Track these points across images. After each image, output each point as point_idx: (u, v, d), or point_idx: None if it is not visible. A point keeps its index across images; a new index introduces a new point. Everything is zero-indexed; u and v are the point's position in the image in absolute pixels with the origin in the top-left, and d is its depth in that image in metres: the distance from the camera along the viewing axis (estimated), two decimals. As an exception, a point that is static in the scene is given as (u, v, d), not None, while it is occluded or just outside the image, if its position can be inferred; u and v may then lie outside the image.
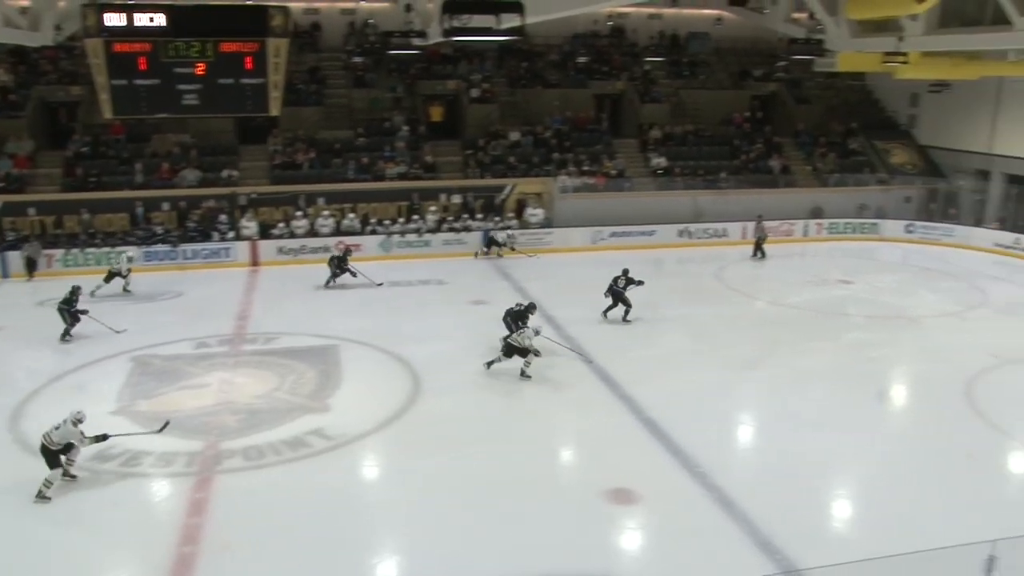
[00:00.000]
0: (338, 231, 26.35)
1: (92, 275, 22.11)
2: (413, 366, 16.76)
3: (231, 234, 25.70)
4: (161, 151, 27.69)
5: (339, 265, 22.69)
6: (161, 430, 12.49)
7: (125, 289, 21.59)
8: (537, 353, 16.07)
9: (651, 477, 12.40)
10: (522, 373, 16.13)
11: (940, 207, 31.22)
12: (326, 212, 26.73)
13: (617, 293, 19.89)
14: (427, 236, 26.72)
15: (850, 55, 27.24)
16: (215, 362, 17.08)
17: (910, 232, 30.01)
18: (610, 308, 20.03)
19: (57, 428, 11.66)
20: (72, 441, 11.63)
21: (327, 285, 22.60)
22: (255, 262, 25.39)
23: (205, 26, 12.87)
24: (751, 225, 28.41)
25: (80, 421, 11.75)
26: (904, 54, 23.61)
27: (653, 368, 17.04)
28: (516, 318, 17.28)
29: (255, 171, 27.91)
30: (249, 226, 25.91)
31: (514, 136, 30.56)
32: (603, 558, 10.55)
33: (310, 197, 27.09)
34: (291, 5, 10.86)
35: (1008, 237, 28.42)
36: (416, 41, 21.70)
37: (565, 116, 31.81)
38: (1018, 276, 25.44)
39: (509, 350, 16.13)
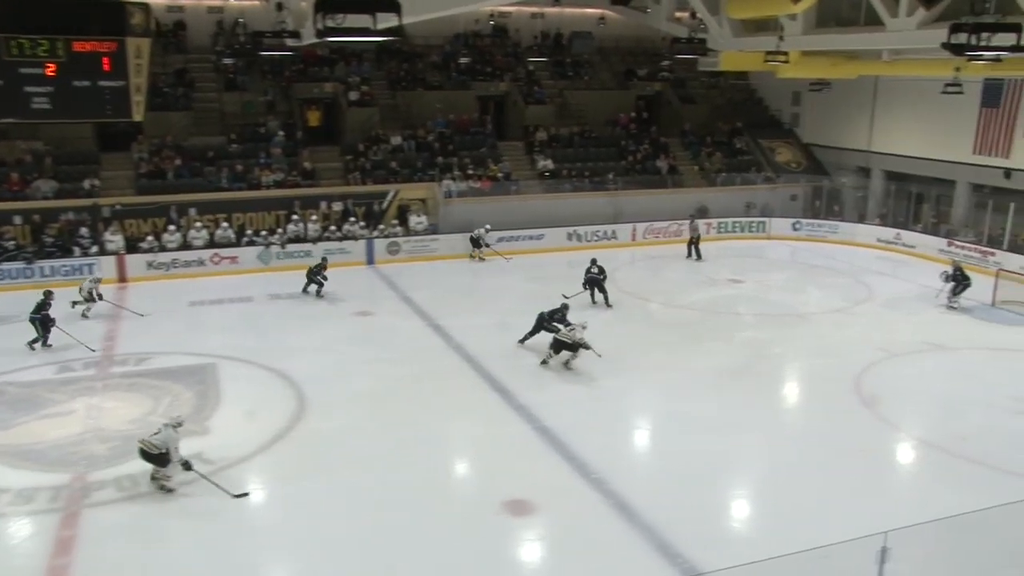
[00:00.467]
0: (212, 243, 25.60)
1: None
2: (297, 382, 16.48)
3: (94, 249, 24.63)
4: (10, 159, 26.29)
5: (316, 274, 22.59)
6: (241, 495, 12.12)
7: (84, 315, 20.61)
8: (587, 346, 16.90)
9: (548, 486, 12.50)
10: (566, 365, 17.14)
11: (825, 204, 32.59)
12: (199, 223, 25.93)
13: (594, 280, 21.42)
14: (308, 246, 26.24)
15: (733, 54, 28.33)
16: (81, 387, 16.34)
17: (797, 230, 31.21)
18: (592, 297, 21.71)
19: (156, 433, 12.05)
20: (171, 447, 11.93)
21: (304, 291, 22.76)
22: (123, 278, 24.43)
23: (52, 22, 12.21)
24: (641, 227, 29.11)
25: (179, 425, 12.26)
26: (785, 53, 24.66)
27: (547, 375, 17.17)
28: (554, 318, 18.24)
29: (119, 181, 26.85)
30: (114, 240, 24.91)
31: (396, 140, 30.38)
32: (502, 572, 10.54)
33: (181, 208, 26.22)
34: (152, 2, 10.48)
35: (889, 232, 29.89)
36: (289, 42, 21.29)
37: (448, 119, 31.82)
38: (901, 271, 26.79)
39: (559, 346, 17.10)
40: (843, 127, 33.38)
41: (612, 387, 16.56)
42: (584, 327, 17.38)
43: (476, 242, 27.35)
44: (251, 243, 25.96)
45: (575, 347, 17.00)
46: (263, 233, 26.25)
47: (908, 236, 29.39)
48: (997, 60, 17.34)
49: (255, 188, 27.40)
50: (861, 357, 18.32)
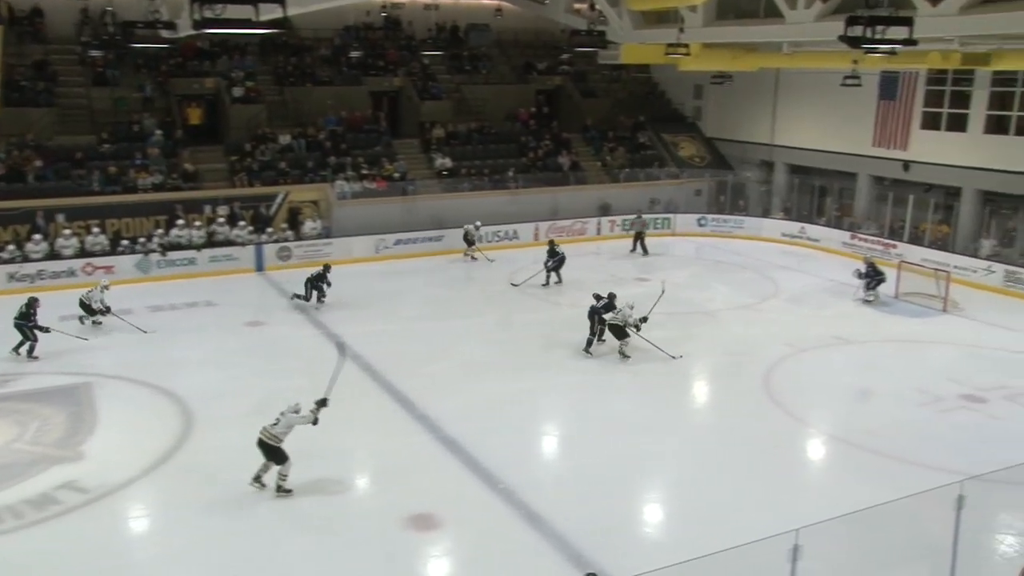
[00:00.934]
0: (83, 252, 24.66)
1: None
2: (183, 400, 16.03)
3: (-58, 261, 23.46)
4: None
5: (319, 281, 22.16)
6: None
7: (95, 323, 20.43)
8: (637, 328, 18.12)
9: (453, 499, 12.49)
10: (621, 353, 18.36)
11: (729, 199, 33.46)
12: (68, 231, 24.95)
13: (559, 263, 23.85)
14: (192, 253, 25.57)
15: (633, 47, 28.89)
16: (-66, 414, 15.52)
17: (702, 225, 31.95)
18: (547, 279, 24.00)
19: (276, 423, 12.52)
20: (297, 424, 12.56)
21: (315, 301, 22.27)
22: (-20, 292, 23.33)
23: None
24: (544, 226, 29.39)
25: (298, 411, 12.72)
26: (685, 46, 25.24)
27: (450, 382, 17.19)
28: (605, 310, 18.97)
29: (-33, 184, 25.61)
30: (-34, 250, 23.77)
31: (284, 139, 29.89)
32: (409, 592, 10.49)
33: (48, 213, 25.17)
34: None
35: (794, 227, 30.96)
36: (164, 33, 20.79)
37: (340, 116, 31.48)
38: (806, 264, 27.75)
39: (619, 332, 18.28)
40: (746, 121, 34.33)
41: (517, 392, 16.64)
42: (631, 307, 18.47)
43: (469, 240, 27.65)
44: (128, 251, 25.08)
45: (624, 333, 18.18)
46: (141, 240, 25.43)
47: (812, 230, 30.41)
48: (892, 53, 18.11)
49: (131, 192, 26.51)
50: (769, 353, 18.88)
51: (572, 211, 30.72)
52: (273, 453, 12.50)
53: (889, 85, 28.99)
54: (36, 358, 18.21)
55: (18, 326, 18.32)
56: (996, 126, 26.59)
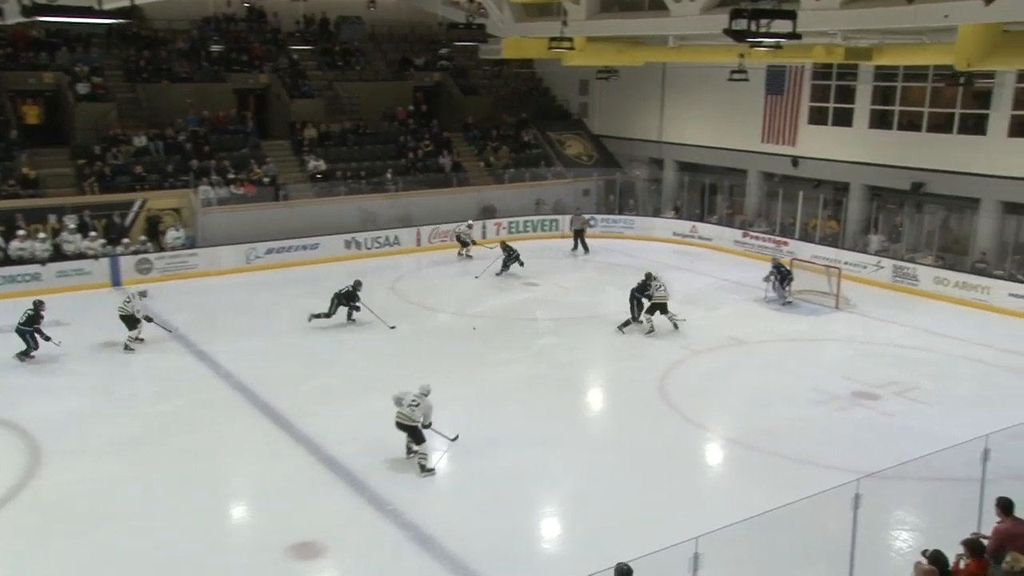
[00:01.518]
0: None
1: None
2: (28, 431, 15.31)
3: None
4: None
5: (347, 300, 21.51)
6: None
7: (138, 339, 20.14)
8: (650, 302, 20.42)
9: (338, 524, 12.39)
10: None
11: (619, 199, 34.04)
12: None
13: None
14: (35, 268, 24.52)
15: (515, 41, 29.18)
16: None
17: (592, 226, 32.18)
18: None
19: (414, 404, 13.55)
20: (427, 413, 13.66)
21: (323, 316, 21.49)
22: None
23: None
24: (427, 231, 29.42)
25: (428, 393, 13.88)
26: (569, 40, 25.61)
27: (331, 399, 17.02)
28: (644, 292, 21.03)
29: None
30: None
31: (139, 141, 29.01)
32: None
33: None
34: None
35: (685, 226, 31.76)
36: (-14, 19, 19.65)
37: (202, 115, 30.76)
38: (698, 264, 28.50)
39: (655, 309, 20.53)
40: (633, 117, 35.07)
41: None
42: (663, 287, 20.81)
43: (463, 241, 28.48)
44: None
45: (666, 308, 20.47)
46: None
47: (704, 229, 31.24)
48: (777, 47, 18.83)
49: (-43, 200, 25.24)
50: (665, 357, 19.36)
51: (456, 215, 30.65)
52: (412, 432, 13.62)
53: (776, 80, 30.09)
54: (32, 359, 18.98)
55: (21, 331, 18.81)
56: (880, 121, 27.95)
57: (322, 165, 30.93)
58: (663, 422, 16.13)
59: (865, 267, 26.22)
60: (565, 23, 25.70)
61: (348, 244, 29.07)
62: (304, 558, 11.52)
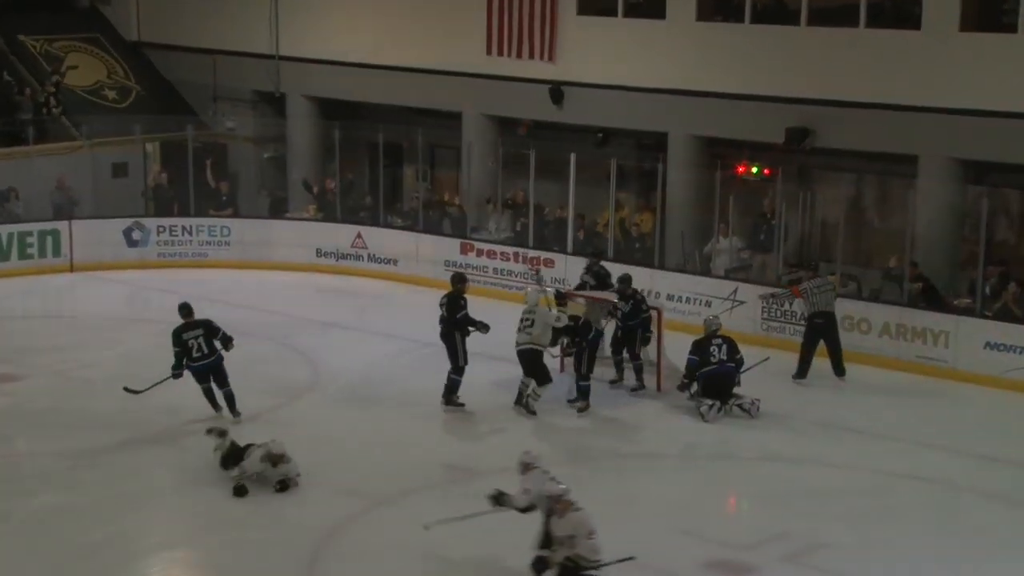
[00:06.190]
0: None
1: None
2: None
3: None
4: None
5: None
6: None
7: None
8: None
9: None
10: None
11: (193, 184, 22.01)
12: None
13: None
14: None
15: None
16: None
17: (134, 245, 20.92)
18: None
19: (529, 325, 12.80)
20: (551, 324, 12.97)
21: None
22: None
23: None
24: None
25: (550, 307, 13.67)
26: None
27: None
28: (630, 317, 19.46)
29: None
30: None
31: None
32: None
33: None
34: None
35: (338, 234, 21.28)
36: None
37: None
38: (372, 316, 19.11)
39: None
40: (213, 12, 23.68)
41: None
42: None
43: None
44: None
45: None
46: None
47: (376, 237, 21.46)
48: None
49: None
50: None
51: None
52: (536, 366, 12.76)
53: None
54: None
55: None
56: (720, 6, 22.12)
57: None
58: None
59: (708, 302, 17.93)
60: None
61: None
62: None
